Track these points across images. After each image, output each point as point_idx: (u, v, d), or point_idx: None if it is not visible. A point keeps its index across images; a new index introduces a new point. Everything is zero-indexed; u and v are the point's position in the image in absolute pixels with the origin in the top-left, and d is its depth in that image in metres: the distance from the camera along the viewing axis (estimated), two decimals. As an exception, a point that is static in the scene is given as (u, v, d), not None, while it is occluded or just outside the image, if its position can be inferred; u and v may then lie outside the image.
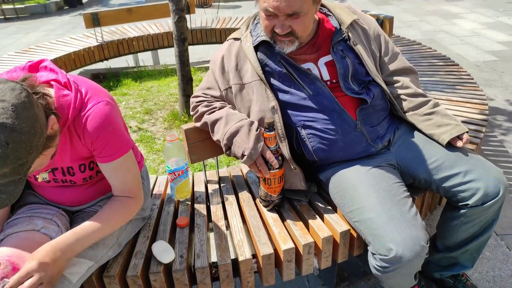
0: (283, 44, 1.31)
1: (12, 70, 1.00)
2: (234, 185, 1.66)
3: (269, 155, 1.32)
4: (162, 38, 4.89)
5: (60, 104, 0.96)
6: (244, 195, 1.56)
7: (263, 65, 1.39)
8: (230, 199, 1.56)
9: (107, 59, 4.63)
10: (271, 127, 1.31)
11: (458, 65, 2.91)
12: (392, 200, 1.22)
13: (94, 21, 4.40)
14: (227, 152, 1.39)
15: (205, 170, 1.68)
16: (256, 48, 1.40)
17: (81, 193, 1.19)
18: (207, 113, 1.45)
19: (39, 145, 0.85)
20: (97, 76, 4.79)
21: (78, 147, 1.04)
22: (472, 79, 2.61)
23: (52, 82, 0.98)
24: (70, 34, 7.28)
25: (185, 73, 3.22)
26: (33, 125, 0.82)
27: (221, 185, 1.66)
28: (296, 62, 1.36)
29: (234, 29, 5.00)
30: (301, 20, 1.25)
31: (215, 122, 1.42)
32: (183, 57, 3.17)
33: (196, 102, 1.51)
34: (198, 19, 5.34)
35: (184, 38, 3.11)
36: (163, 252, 1.24)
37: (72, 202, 1.21)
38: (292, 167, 1.41)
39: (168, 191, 1.62)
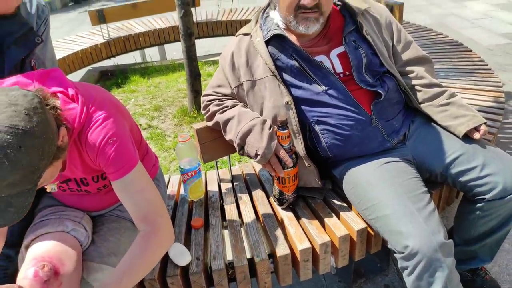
0: (308, 22, 1.27)
1: (23, 75, 0.99)
2: (247, 183, 1.65)
3: (283, 153, 1.30)
4: (168, 32, 4.86)
5: (64, 118, 0.94)
6: (258, 194, 1.55)
7: (274, 60, 1.36)
8: (244, 198, 1.55)
9: (114, 56, 4.63)
10: (284, 125, 1.29)
11: (471, 51, 2.83)
12: (408, 196, 1.19)
13: (100, 18, 4.39)
14: (240, 151, 1.38)
15: (217, 169, 1.67)
16: (267, 43, 1.37)
17: (99, 200, 1.19)
18: (219, 112, 1.43)
19: (50, 153, 0.83)
20: (105, 74, 4.80)
21: (88, 161, 1.02)
22: (487, 65, 2.54)
23: (59, 94, 0.96)
24: (76, 31, 7.29)
25: (193, 69, 3.20)
26: (45, 130, 0.80)
27: (234, 183, 1.65)
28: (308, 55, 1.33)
29: (240, 21, 4.94)
30: None
31: (227, 121, 1.40)
32: (190, 52, 3.15)
33: (207, 101, 1.49)
34: (203, 11, 5.28)
35: (190, 33, 3.08)
36: (180, 255, 1.23)
37: (91, 208, 1.21)
38: (307, 164, 1.39)
39: (182, 191, 1.61)
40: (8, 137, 0.73)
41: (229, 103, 1.44)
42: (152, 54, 5.30)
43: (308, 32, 1.30)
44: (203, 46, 5.75)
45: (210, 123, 1.48)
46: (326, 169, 1.50)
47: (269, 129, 1.32)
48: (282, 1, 1.27)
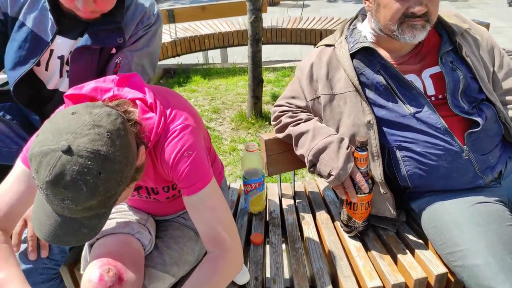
0: (414, 30, 1.16)
1: (102, 80, 0.96)
2: (311, 202, 1.54)
3: (359, 177, 1.19)
4: (233, 36, 4.90)
5: (143, 132, 0.90)
6: (322, 216, 1.44)
7: (358, 75, 1.26)
8: (307, 218, 1.45)
9: (179, 55, 4.73)
10: (364, 146, 1.18)
11: None
12: (505, 247, 1.03)
13: (170, 17, 4.51)
14: (311, 169, 1.28)
15: (280, 182, 1.59)
16: (352, 56, 1.27)
17: (165, 206, 1.15)
18: (292, 124, 1.35)
19: (128, 177, 0.79)
20: (168, 72, 4.91)
21: (161, 172, 0.98)
22: None
23: (138, 102, 0.92)
24: (144, 28, 7.57)
25: (257, 75, 3.16)
26: (126, 155, 0.76)
27: (296, 201, 1.56)
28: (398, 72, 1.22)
29: (305, 30, 4.87)
30: None
31: (300, 135, 1.31)
32: (255, 57, 3.11)
33: (279, 112, 1.41)
34: (268, 18, 5.26)
35: (258, 38, 3.05)
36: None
37: (156, 213, 1.18)
38: (382, 191, 1.26)
39: (241, 202, 1.55)
40: (89, 162, 0.70)
41: (303, 116, 1.35)
42: (214, 56, 5.36)
43: (415, 41, 1.18)
44: (263, 52, 5.73)
45: (280, 135, 1.40)
46: (402, 199, 1.36)
47: (347, 149, 1.21)
48: (386, 9, 1.16)
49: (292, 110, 1.39)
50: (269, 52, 5.80)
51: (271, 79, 4.40)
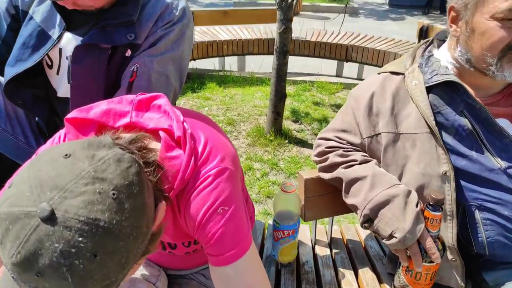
0: None
1: (117, 101, 0.73)
2: (350, 254, 1.29)
3: (429, 243, 0.94)
4: (253, 44, 4.68)
5: (166, 179, 0.66)
6: (366, 274, 1.19)
7: (434, 114, 1.01)
8: (348, 276, 1.20)
9: (194, 60, 4.52)
10: (439, 205, 0.93)
11: None
12: None
13: (190, 20, 4.30)
14: (366, 224, 1.03)
15: (315, 227, 1.34)
16: (427, 89, 1.03)
17: (182, 261, 0.92)
18: (343, 166, 1.10)
19: (138, 254, 0.54)
20: (182, 75, 4.70)
21: (183, 227, 0.73)
22: None
23: (161, 133, 0.68)
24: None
25: (280, 89, 2.92)
26: (138, 223, 0.51)
27: (333, 251, 1.31)
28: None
29: (330, 44, 4.63)
30: None
31: (354, 181, 1.06)
32: (281, 71, 2.88)
33: (326, 147, 1.16)
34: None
35: (286, 50, 2.82)
36: None
37: (170, 266, 0.94)
38: (451, 257, 1.01)
39: (267, 246, 1.30)
40: (81, 239, 0.45)
41: (358, 156, 1.10)
42: (231, 63, 5.14)
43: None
44: (283, 63, 5.50)
45: (326, 176, 1.16)
46: (470, 266, 1.11)
47: (416, 206, 0.97)
48: (484, 37, 0.91)
49: (343, 148, 1.14)
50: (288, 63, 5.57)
51: (291, 93, 4.16)
